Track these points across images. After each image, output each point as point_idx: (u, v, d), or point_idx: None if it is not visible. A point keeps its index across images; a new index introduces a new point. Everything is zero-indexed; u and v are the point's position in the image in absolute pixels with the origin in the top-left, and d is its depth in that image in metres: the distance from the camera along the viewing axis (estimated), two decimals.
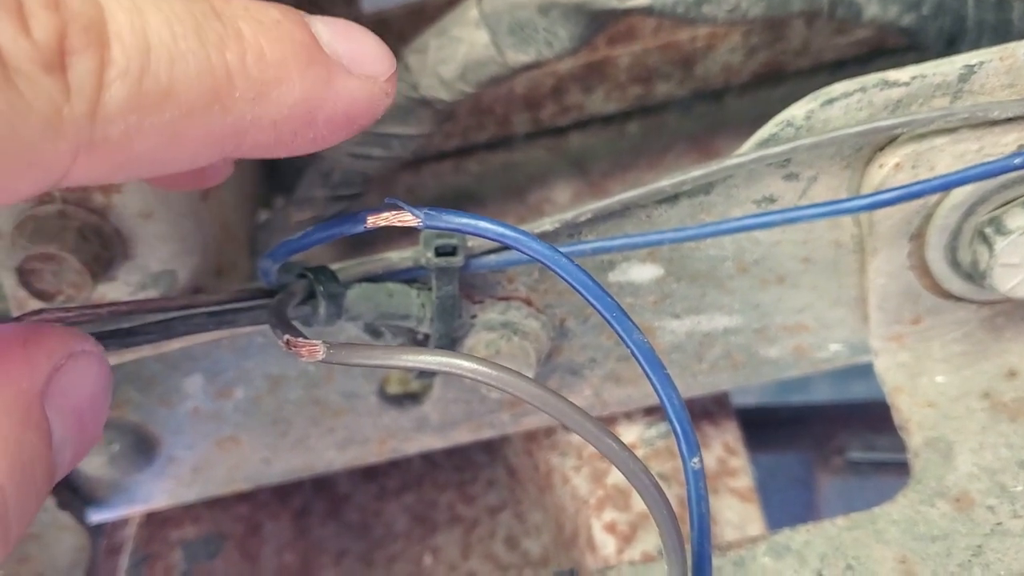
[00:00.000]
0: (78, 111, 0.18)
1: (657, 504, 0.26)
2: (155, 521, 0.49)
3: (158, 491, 0.42)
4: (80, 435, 0.24)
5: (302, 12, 0.23)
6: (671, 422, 0.27)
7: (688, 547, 0.28)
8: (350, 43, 0.23)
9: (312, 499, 0.52)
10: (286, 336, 0.27)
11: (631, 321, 0.27)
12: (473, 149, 0.54)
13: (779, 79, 0.52)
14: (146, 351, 0.36)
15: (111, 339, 0.30)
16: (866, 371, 0.41)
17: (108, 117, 0.19)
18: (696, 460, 0.27)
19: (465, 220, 0.27)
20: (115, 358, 0.30)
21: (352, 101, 0.23)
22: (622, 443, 0.25)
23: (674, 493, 0.42)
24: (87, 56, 0.19)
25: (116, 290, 0.37)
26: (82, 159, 0.19)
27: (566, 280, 0.27)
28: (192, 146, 0.21)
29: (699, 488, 0.28)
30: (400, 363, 0.26)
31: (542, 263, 0.27)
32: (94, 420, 0.25)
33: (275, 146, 0.23)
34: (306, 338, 0.27)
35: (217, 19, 0.21)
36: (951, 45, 0.41)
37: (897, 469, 0.61)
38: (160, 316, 0.31)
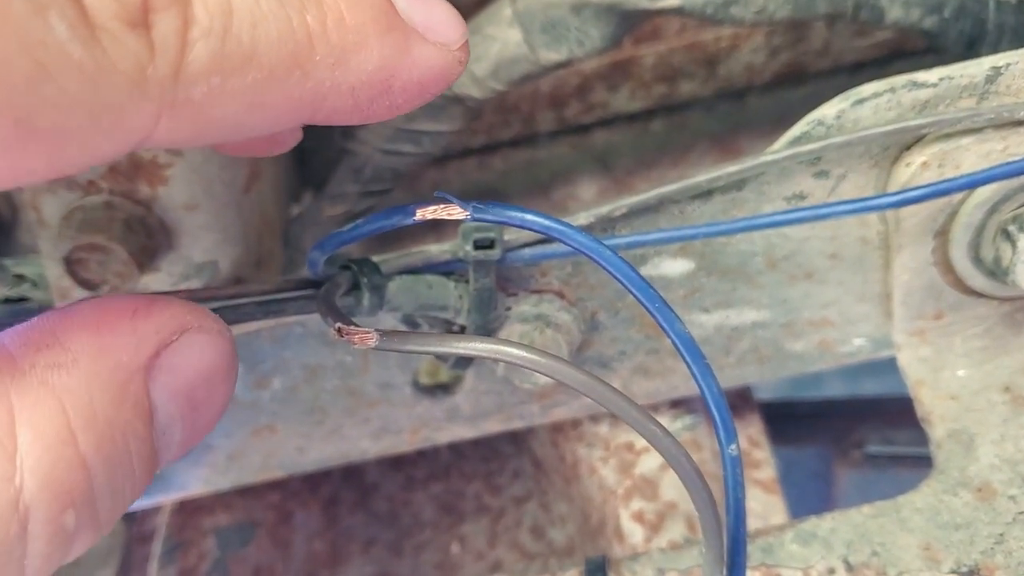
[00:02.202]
0: (162, 71, 0.18)
1: (698, 489, 0.27)
2: (187, 509, 0.50)
3: (193, 478, 0.43)
4: (191, 418, 0.23)
5: None
6: (710, 410, 0.28)
7: (723, 532, 0.29)
8: (425, 9, 0.23)
9: (341, 488, 0.53)
10: (338, 324, 0.28)
11: (673, 312, 0.28)
12: (498, 146, 0.55)
13: (800, 80, 0.53)
14: None
15: None
16: (878, 369, 0.42)
17: (191, 78, 0.19)
18: (733, 447, 0.28)
19: (512, 213, 0.28)
20: None
21: (427, 68, 0.23)
22: (665, 429, 0.26)
23: None
24: (171, 14, 0.18)
25: (159, 280, 0.38)
26: (165, 120, 0.19)
27: (610, 272, 0.28)
28: (272, 111, 0.21)
29: (736, 474, 0.29)
30: (451, 350, 0.27)
31: (586, 255, 0.28)
32: (209, 403, 0.24)
33: (352, 112, 0.22)
34: (357, 326, 0.28)
35: None
36: (971, 48, 0.42)
37: (914, 462, 0.62)
38: (209, 305, 0.32)
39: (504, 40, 0.41)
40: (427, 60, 0.23)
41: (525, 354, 0.26)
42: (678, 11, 0.39)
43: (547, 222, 0.28)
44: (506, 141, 0.54)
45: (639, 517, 0.43)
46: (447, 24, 0.23)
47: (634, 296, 0.28)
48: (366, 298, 0.33)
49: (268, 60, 0.20)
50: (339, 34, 0.21)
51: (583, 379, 0.26)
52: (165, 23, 0.18)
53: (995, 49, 0.41)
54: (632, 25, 0.41)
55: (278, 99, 0.20)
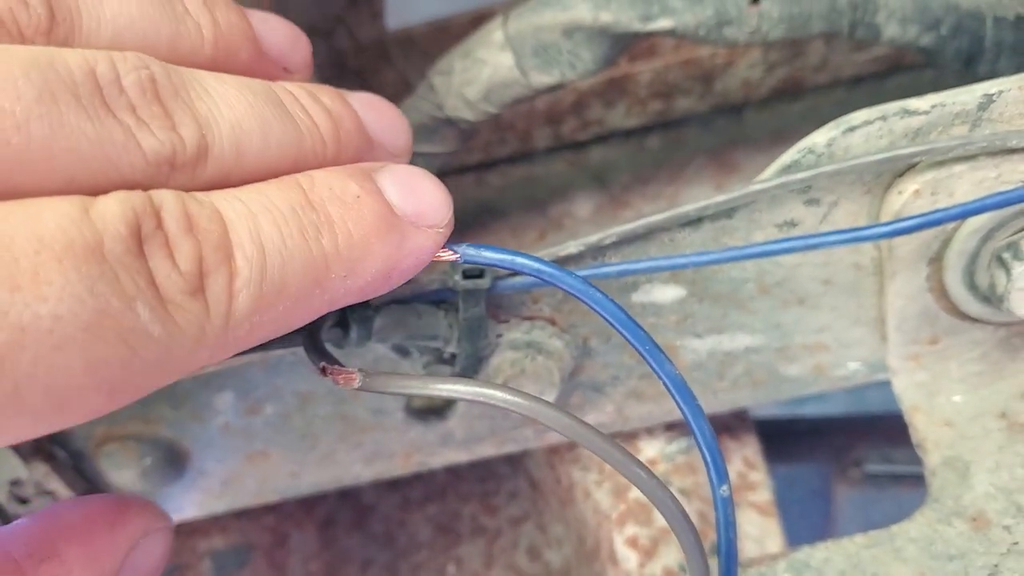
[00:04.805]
0: (217, 325, 0.21)
1: (684, 531, 0.27)
2: (184, 532, 0.50)
3: (188, 503, 0.43)
4: None
5: (370, 168, 0.25)
6: (702, 451, 0.28)
7: (715, 566, 0.29)
8: (416, 199, 0.25)
9: (337, 510, 0.53)
10: (322, 363, 0.28)
11: (663, 354, 0.28)
12: (495, 163, 0.54)
13: (797, 94, 0.53)
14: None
15: None
16: (879, 385, 0.42)
17: (238, 322, 0.21)
18: (725, 488, 0.28)
19: (502, 256, 0.28)
20: None
21: (421, 252, 0.25)
22: (650, 471, 0.26)
23: (695, 508, 0.43)
24: (220, 274, 0.21)
25: None
26: (214, 355, 0.22)
27: (600, 315, 0.28)
28: (295, 322, 0.24)
29: (727, 515, 0.29)
30: (434, 392, 0.27)
31: (577, 297, 0.28)
32: None
33: (356, 302, 0.25)
34: (342, 365, 0.28)
35: (312, 209, 0.23)
36: (969, 65, 0.41)
37: (914, 482, 0.62)
38: None
39: (495, 64, 0.41)
40: (420, 246, 0.25)
41: (508, 397, 0.26)
42: (670, 33, 0.39)
43: (538, 266, 0.28)
44: (503, 158, 0.54)
45: (633, 542, 0.43)
46: (436, 208, 0.26)
47: (625, 338, 0.28)
48: (353, 331, 0.33)
49: (295, 289, 0.22)
50: (349, 250, 0.23)
51: (566, 422, 0.26)
52: (216, 283, 0.21)
53: (993, 66, 0.41)
54: (625, 47, 0.41)
55: (302, 315, 0.24)
